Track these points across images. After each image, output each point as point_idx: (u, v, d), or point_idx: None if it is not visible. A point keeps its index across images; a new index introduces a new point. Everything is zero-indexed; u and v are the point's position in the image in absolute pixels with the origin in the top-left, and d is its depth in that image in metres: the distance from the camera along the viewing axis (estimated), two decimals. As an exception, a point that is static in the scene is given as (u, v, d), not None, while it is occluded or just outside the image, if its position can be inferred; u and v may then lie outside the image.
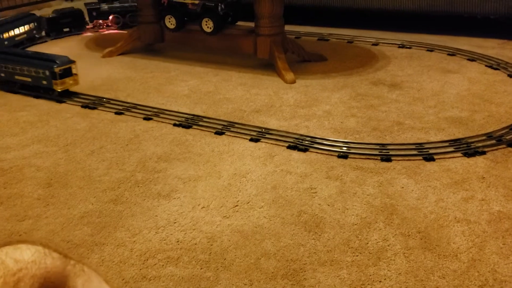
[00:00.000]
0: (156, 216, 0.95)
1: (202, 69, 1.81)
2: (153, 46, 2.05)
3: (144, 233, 0.90)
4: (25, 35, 2.18)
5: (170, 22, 1.85)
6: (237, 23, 1.89)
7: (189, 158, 1.16)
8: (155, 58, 1.96)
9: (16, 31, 2.12)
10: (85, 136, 1.30)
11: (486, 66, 1.74)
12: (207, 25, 1.78)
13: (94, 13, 2.43)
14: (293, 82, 1.65)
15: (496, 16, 2.02)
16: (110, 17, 2.41)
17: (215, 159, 1.16)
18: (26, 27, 2.19)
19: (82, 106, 1.49)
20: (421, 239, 0.86)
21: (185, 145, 1.23)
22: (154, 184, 1.06)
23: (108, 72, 1.80)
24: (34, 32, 2.25)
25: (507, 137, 1.20)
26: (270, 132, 1.28)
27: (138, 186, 1.05)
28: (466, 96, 1.47)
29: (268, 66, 1.79)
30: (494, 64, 1.74)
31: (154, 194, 1.02)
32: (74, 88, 1.58)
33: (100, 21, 2.41)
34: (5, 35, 2.06)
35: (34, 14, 2.32)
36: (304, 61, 1.86)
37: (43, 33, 2.31)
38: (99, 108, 1.48)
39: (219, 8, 1.75)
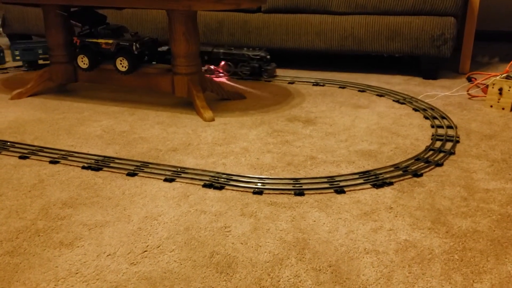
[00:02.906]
0: (57, 267, 0.88)
1: (117, 109, 1.76)
2: (66, 86, 1.97)
3: (42, 287, 0.83)
4: None
5: (83, 61, 1.80)
6: (154, 62, 1.87)
7: (97, 202, 1.10)
8: (68, 98, 1.88)
9: None
10: (-17, 183, 1.20)
11: (393, 101, 1.84)
12: (122, 64, 1.75)
13: (206, 57, 2.16)
14: (212, 120, 1.64)
15: (401, 55, 2.17)
16: (222, 63, 2.12)
17: (125, 202, 1.11)
18: None
19: (-18, 151, 1.39)
20: (332, 273, 0.86)
21: (94, 188, 1.17)
22: (56, 233, 0.98)
23: (15, 115, 1.70)
24: None
25: (412, 168, 1.26)
26: (186, 171, 1.25)
27: (39, 235, 0.98)
28: (375, 130, 1.54)
29: (186, 105, 1.78)
30: (401, 99, 1.85)
31: (56, 243, 0.95)
32: (-26, 132, 1.47)
33: (212, 67, 2.14)
34: None
35: None
36: (223, 99, 1.87)
37: None
38: (2, 153, 1.38)
39: (134, 47, 1.73)
